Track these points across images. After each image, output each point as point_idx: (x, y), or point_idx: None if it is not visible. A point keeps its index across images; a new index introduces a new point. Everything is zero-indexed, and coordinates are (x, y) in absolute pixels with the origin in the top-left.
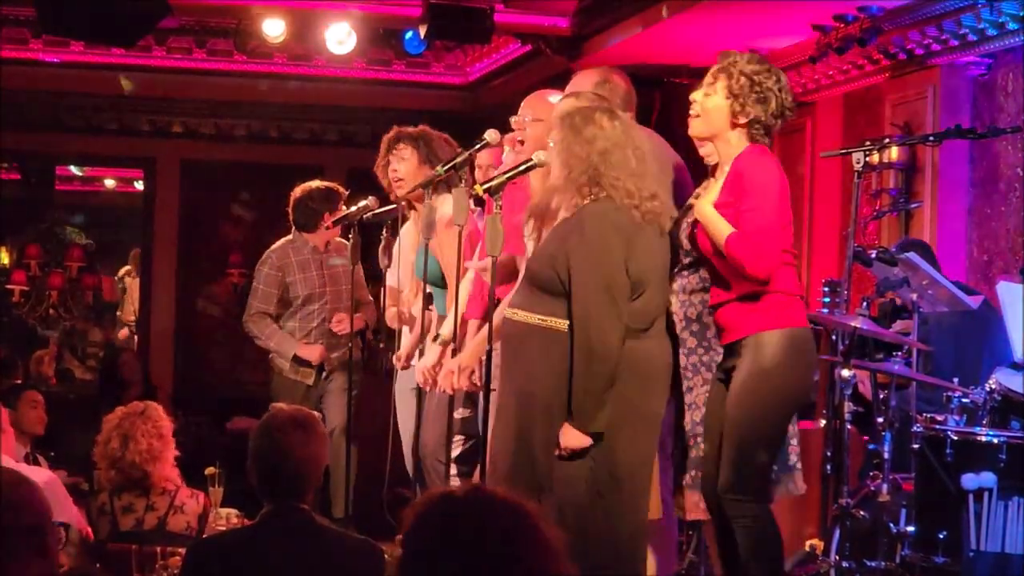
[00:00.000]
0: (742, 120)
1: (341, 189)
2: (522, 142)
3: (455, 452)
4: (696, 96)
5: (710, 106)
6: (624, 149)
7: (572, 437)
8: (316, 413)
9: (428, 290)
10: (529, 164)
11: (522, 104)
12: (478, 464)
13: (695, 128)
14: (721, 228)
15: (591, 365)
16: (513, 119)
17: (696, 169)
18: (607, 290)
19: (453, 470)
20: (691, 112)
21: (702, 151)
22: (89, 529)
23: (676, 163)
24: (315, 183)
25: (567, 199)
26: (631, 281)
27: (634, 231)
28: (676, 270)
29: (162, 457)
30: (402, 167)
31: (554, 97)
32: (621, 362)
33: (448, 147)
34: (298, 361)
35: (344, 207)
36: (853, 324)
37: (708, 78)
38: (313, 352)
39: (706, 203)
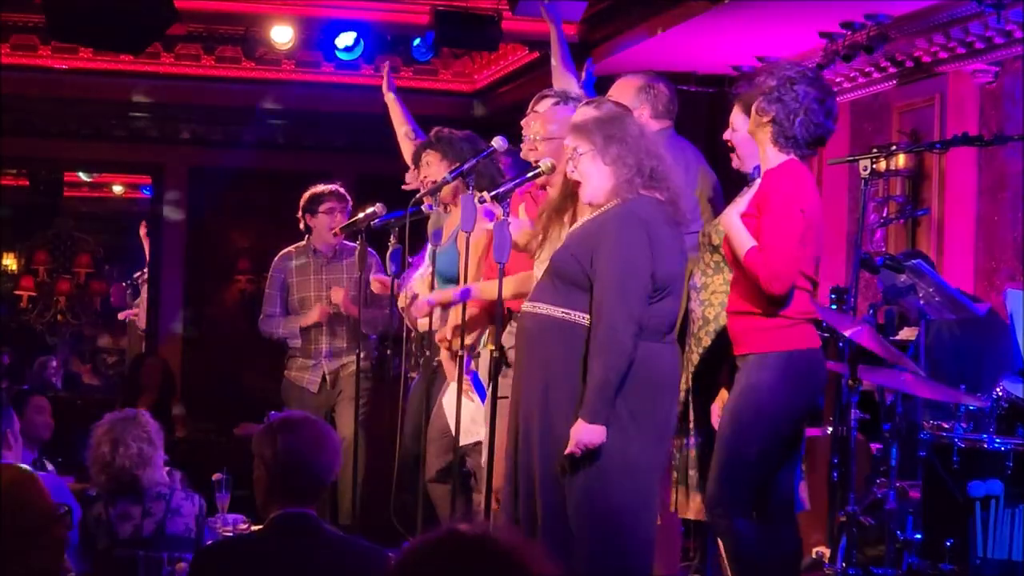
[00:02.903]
0: (765, 120)
1: (331, 190)
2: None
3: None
4: (726, 136)
5: (740, 136)
6: (656, 151)
7: (585, 431)
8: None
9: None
10: (536, 172)
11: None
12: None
13: (742, 163)
14: (743, 240)
15: (602, 358)
16: (525, 135)
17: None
18: (623, 286)
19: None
20: (733, 154)
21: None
22: None
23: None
24: (318, 187)
25: (618, 196)
26: (656, 283)
27: (663, 232)
28: (699, 269)
29: (152, 462)
30: (431, 173)
31: (552, 101)
32: (639, 365)
33: (469, 144)
34: (303, 353)
35: (326, 205)
36: (846, 332)
37: (733, 116)
38: (313, 315)
39: (733, 212)
